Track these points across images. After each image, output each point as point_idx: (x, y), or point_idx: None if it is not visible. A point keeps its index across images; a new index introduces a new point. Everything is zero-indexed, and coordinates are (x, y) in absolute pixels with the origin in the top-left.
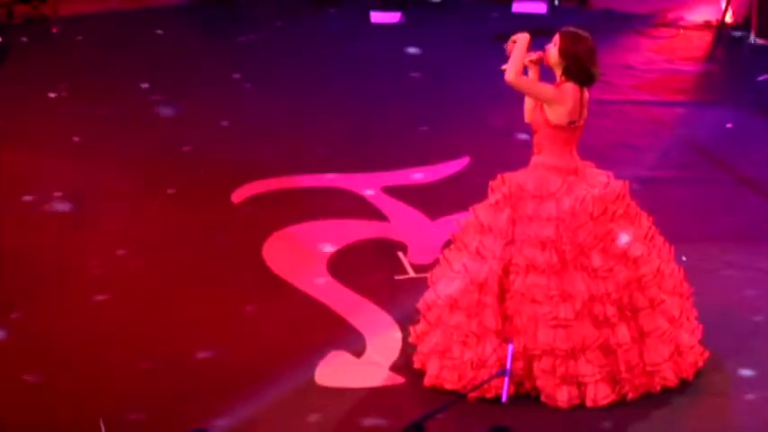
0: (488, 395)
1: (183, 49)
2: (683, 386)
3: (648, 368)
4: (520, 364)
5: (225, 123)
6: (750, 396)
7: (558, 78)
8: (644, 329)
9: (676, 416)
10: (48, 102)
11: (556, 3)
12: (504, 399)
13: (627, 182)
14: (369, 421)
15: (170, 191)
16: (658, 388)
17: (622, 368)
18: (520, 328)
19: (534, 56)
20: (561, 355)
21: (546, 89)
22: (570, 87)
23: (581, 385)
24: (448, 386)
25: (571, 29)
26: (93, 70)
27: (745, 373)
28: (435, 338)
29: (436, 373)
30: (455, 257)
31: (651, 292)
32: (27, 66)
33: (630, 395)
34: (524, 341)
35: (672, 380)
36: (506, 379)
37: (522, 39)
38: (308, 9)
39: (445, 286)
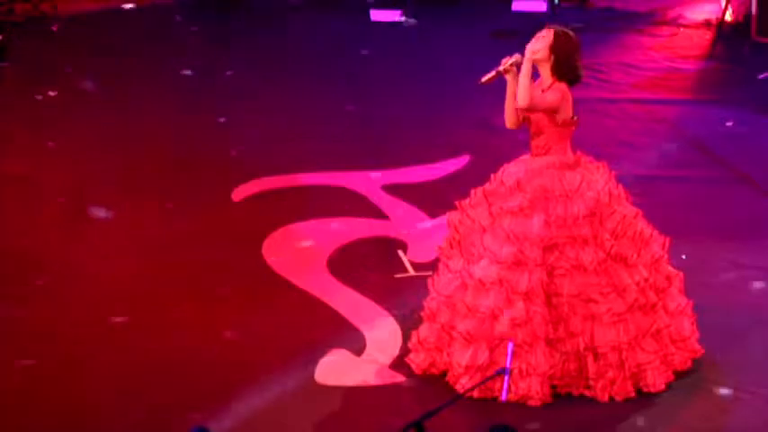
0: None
1: (183, 48)
2: (682, 384)
3: (680, 344)
4: (572, 366)
5: (224, 121)
6: (749, 394)
7: (544, 76)
8: (668, 307)
9: (675, 413)
10: (48, 100)
11: (556, 1)
12: (503, 397)
13: (605, 162)
14: (369, 420)
15: (170, 189)
16: (690, 363)
17: (672, 349)
18: (576, 329)
19: (512, 59)
20: (626, 349)
21: (551, 98)
22: (563, 85)
23: (640, 374)
24: (489, 394)
25: (562, 27)
26: (93, 68)
27: (744, 370)
28: (482, 353)
29: (475, 383)
30: (473, 267)
31: (665, 269)
32: (27, 64)
33: (674, 372)
34: (584, 341)
35: (699, 350)
36: (506, 377)
37: (525, 63)
38: (309, 7)
39: (477, 298)
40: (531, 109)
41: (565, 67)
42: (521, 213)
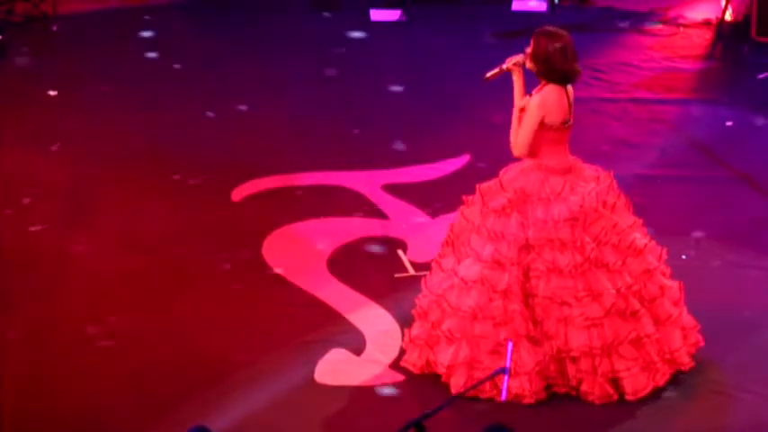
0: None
1: (183, 48)
2: (681, 384)
3: (667, 356)
4: (553, 367)
5: (224, 121)
6: (748, 394)
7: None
8: (659, 318)
9: (674, 413)
10: (48, 99)
11: (556, 1)
12: (503, 397)
13: (612, 172)
14: (369, 419)
15: (170, 189)
16: (672, 372)
17: (655, 358)
18: (550, 332)
19: (515, 59)
20: (598, 354)
21: (534, 114)
22: (551, 90)
23: (618, 380)
24: (482, 395)
25: (544, 29)
26: (94, 68)
27: (744, 370)
28: (462, 350)
29: (466, 382)
30: (460, 266)
31: (658, 279)
32: (27, 64)
33: (660, 383)
34: (557, 344)
35: (688, 363)
36: (506, 377)
37: (516, 108)
38: (309, 7)
39: (461, 297)
40: (526, 148)
41: (544, 68)
42: (503, 213)
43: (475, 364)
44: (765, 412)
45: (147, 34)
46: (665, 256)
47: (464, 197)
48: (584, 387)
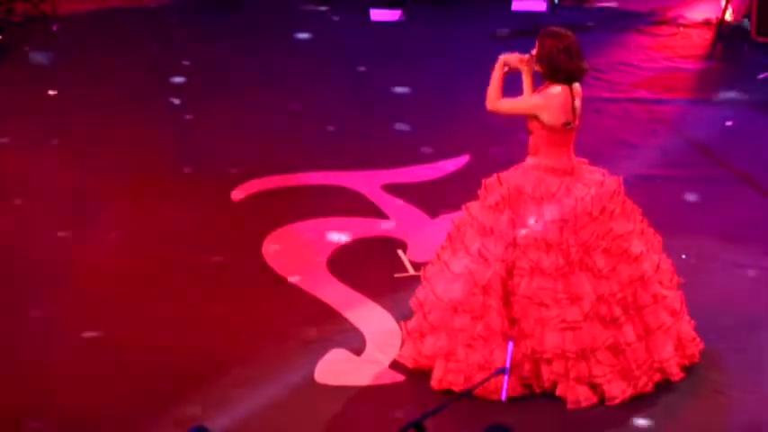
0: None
1: (183, 48)
2: (681, 383)
3: (656, 364)
4: (527, 367)
5: (224, 121)
6: (748, 394)
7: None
8: (649, 326)
9: (673, 413)
10: (47, 99)
11: (556, 1)
12: (503, 397)
13: (620, 177)
14: (369, 419)
15: (170, 189)
16: (659, 380)
17: (633, 366)
18: (527, 331)
19: (526, 56)
20: (572, 358)
21: (529, 102)
22: (556, 90)
23: (596, 386)
24: (456, 389)
25: (548, 29)
26: (93, 68)
27: (744, 370)
28: (440, 342)
29: (441, 375)
30: (453, 258)
31: (653, 288)
32: (26, 63)
33: (644, 389)
34: (532, 344)
35: (677, 374)
36: (506, 377)
37: (498, 62)
38: (308, 6)
39: (446, 289)
40: (497, 112)
41: (550, 68)
42: (496, 209)
43: (450, 356)
44: (765, 412)
45: (177, 80)
46: (665, 266)
47: (479, 192)
48: (558, 390)
